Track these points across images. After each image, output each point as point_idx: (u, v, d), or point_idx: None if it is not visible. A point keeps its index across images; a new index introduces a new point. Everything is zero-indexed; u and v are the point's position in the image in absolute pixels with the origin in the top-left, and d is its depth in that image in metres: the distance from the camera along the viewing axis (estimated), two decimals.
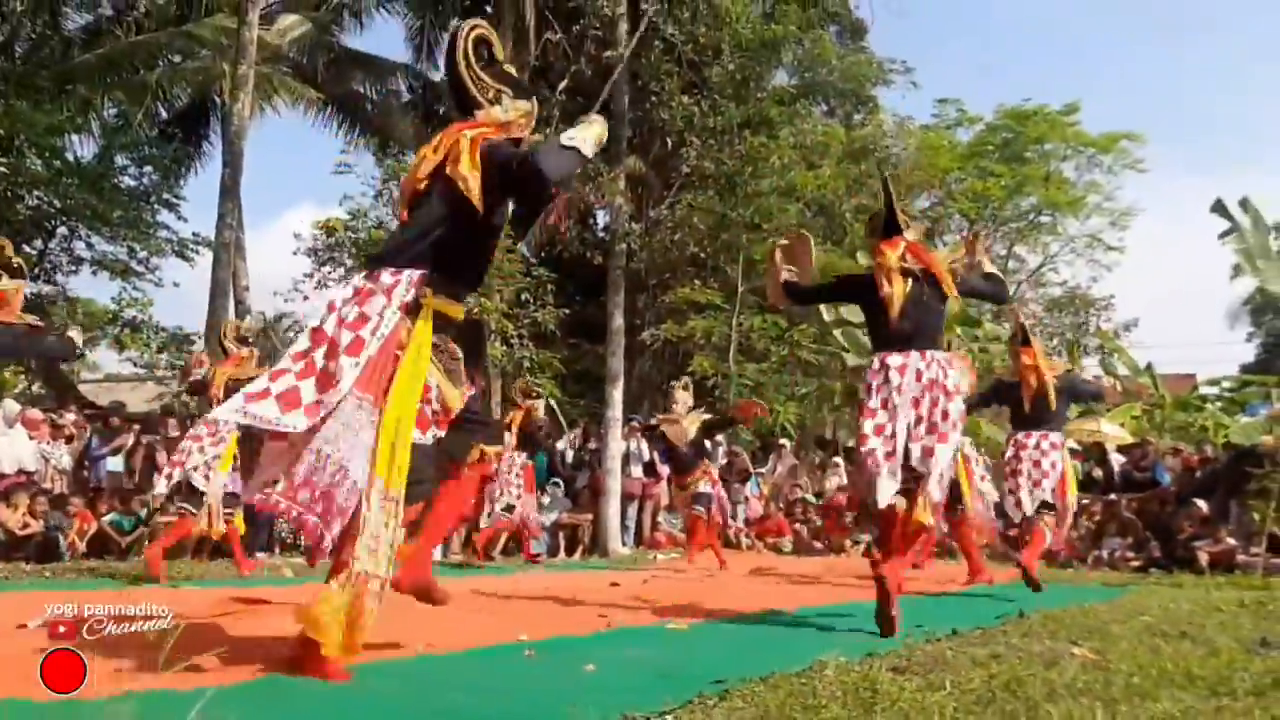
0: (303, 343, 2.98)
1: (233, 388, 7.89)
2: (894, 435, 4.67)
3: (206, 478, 7.53)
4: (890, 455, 4.62)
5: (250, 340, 8.51)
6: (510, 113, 3.26)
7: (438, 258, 3.08)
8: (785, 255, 5.42)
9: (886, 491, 4.56)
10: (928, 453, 4.62)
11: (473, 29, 3.29)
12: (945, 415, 4.68)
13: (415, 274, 3.04)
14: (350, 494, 2.77)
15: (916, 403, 4.71)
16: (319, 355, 2.92)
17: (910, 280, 4.81)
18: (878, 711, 2.39)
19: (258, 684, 2.68)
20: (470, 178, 3.02)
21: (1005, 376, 7.56)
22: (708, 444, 10.48)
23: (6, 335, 5.35)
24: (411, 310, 3.02)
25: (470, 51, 3.25)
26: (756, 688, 2.69)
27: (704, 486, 9.63)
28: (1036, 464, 6.80)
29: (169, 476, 7.60)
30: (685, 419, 9.61)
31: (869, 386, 4.84)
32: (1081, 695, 2.67)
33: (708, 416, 9.91)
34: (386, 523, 2.81)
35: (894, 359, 4.77)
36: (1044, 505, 6.86)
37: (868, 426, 4.73)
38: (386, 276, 3.04)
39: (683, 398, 9.77)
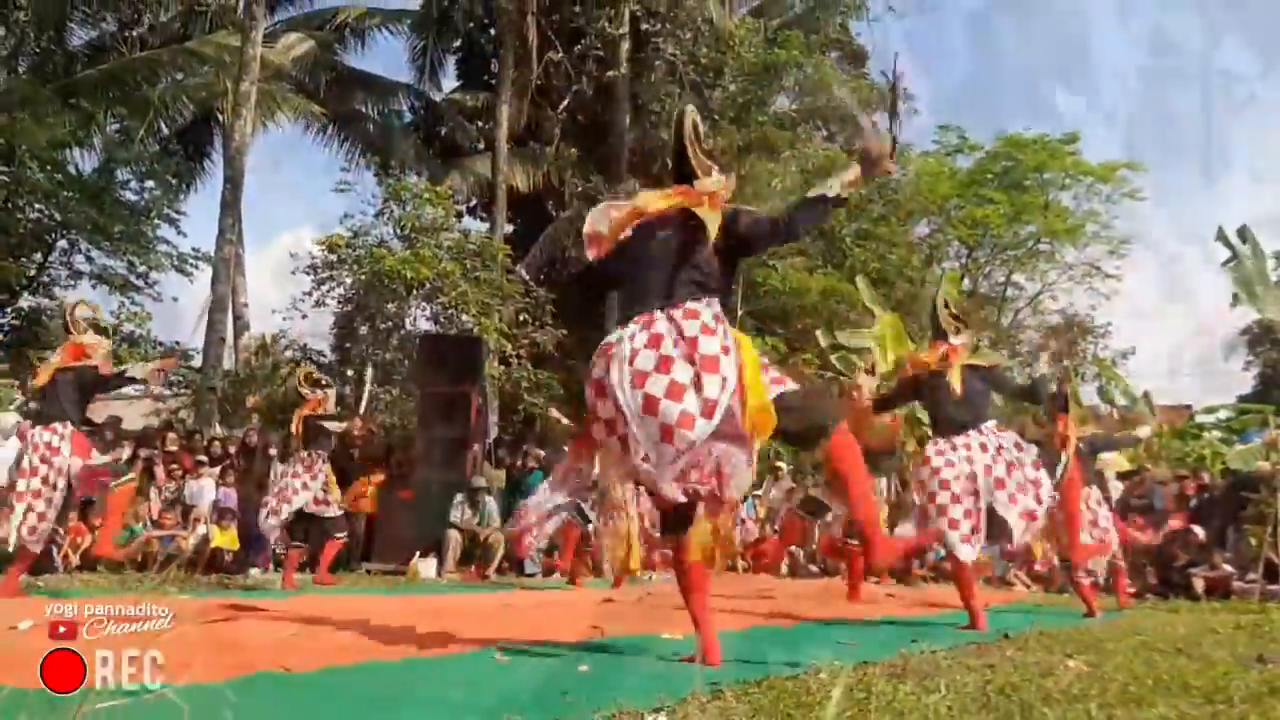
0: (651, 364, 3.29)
1: (312, 426, 8.32)
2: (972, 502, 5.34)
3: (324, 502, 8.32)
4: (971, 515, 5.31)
5: (324, 383, 8.80)
6: (718, 185, 3.70)
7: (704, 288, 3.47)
8: None
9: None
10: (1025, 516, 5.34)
11: (693, 114, 3.86)
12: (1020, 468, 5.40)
13: (715, 299, 3.44)
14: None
15: (989, 469, 5.35)
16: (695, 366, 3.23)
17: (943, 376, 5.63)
18: (872, 710, 2.38)
19: (254, 679, 2.67)
20: (713, 221, 3.46)
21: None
22: None
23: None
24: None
25: (693, 131, 3.75)
26: (751, 688, 2.69)
27: None
28: (1094, 522, 7.29)
29: (276, 512, 8.18)
30: None
31: (935, 466, 5.46)
32: (1077, 701, 2.66)
33: None
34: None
35: (958, 440, 5.47)
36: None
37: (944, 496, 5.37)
38: (697, 304, 3.38)
39: None
